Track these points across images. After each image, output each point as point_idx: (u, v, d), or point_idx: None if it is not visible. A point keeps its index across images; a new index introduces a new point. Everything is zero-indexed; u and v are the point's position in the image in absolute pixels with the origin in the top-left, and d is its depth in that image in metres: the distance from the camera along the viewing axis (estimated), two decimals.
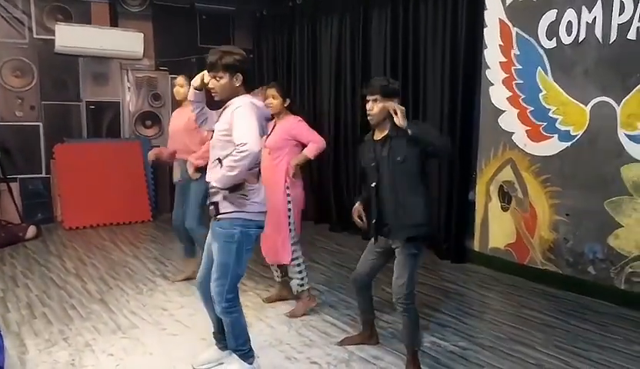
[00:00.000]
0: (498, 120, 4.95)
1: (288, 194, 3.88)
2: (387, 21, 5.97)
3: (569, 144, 4.46)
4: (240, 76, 2.82)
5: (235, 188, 2.77)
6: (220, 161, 2.78)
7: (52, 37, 6.70)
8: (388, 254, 3.19)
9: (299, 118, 3.99)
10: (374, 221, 3.14)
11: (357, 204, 3.30)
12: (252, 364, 3.02)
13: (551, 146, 4.58)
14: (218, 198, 2.83)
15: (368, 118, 3.09)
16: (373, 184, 3.11)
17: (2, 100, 6.79)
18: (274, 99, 3.85)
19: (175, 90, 4.69)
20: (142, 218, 6.75)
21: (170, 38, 7.73)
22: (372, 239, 3.22)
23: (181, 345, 3.44)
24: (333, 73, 6.79)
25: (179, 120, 4.53)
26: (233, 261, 2.83)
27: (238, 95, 2.84)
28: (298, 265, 3.96)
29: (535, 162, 4.72)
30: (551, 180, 4.61)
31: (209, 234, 2.96)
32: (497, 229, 5.09)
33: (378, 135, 3.12)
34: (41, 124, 7.02)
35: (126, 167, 6.96)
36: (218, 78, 2.81)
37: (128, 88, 7.64)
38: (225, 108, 2.86)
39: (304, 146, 3.90)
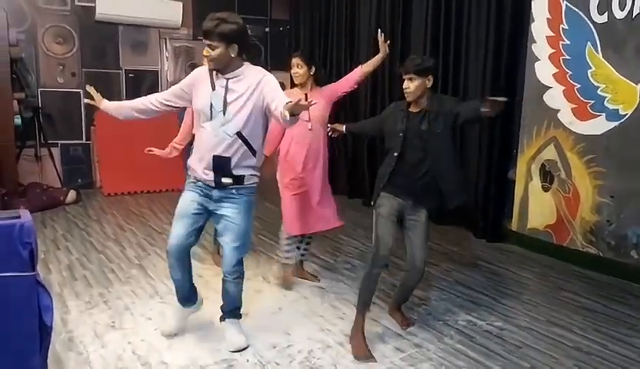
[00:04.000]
0: (543, 96, 4.79)
1: None
2: None
3: (617, 123, 4.29)
4: (235, 46, 2.72)
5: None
6: (240, 134, 2.76)
7: (93, 4, 6.75)
8: (400, 220, 3.24)
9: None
10: (382, 185, 3.20)
11: (343, 127, 3.64)
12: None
13: (598, 125, 4.42)
14: (244, 171, 2.83)
15: (406, 95, 3.14)
16: (395, 154, 3.16)
17: (44, 66, 6.91)
18: (299, 68, 3.77)
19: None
20: (178, 186, 6.86)
21: (208, 7, 7.62)
22: (383, 208, 3.17)
23: (216, 311, 3.49)
24: (371, 45, 6.65)
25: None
26: (251, 227, 2.96)
27: (235, 65, 2.77)
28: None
29: (579, 141, 4.57)
30: (596, 160, 4.46)
31: (190, 197, 2.89)
32: (536, 209, 4.98)
33: (415, 108, 3.17)
34: (81, 91, 7.12)
35: (163, 136, 7.01)
36: (212, 47, 2.70)
37: (166, 57, 7.68)
38: (234, 80, 2.77)
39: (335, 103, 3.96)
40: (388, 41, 4.05)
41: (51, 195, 6.34)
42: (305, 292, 3.92)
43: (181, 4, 7.23)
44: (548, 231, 4.87)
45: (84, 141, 7.22)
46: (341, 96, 3.98)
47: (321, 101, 3.73)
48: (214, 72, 2.81)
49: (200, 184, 2.89)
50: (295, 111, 2.47)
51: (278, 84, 2.80)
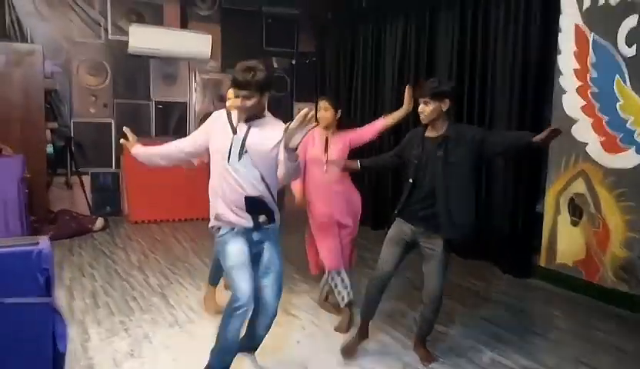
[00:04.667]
0: (571, 130, 4.72)
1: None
2: (454, 23, 5.81)
3: None
4: (267, 94, 2.75)
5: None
6: (263, 178, 2.76)
7: (126, 38, 6.97)
8: (410, 246, 3.25)
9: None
10: (398, 210, 3.26)
11: (357, 162, 3.59)
12: None
13: (628, 158, 4.31)
14: (272, 206, 2.83)
15: (421, 118, 3.15)
16: (410, 180, 3.17)
17: (77, 97, 7.12)
18: (326, 111, 3.82)
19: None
20: (203, 215, 6.93)
21: (236, 40, 7.87)
22: (393, 230, 3.25)
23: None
24: (396, 77, 6.70)
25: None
26: None
27: (262, 109, 2.80)
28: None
29: (609, 175, 4.46)
30: (627, 194, 4.34)
31: (244, 248, 2.78)
32: (565, 244, 4.85)
33: (432, 133, 3.14)
34: (112, 121, 7.31)
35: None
36: (248, 97, 2.67)
37: (195, 88, 7.84)
38: (257, 125, 2.77)
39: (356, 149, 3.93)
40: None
41: (79, 222, 6.45)
42: (325, 326, 3.86)
43: (210, 37, 7.39)
44: (578, 266, 4.73)
45: (113, 169, 7.36)
46: (360, 144, 3.95)
47: (339, 145, 3.78)
48: (236, 116, 2.81)
49: (236, 230, 2.80)
50: (295, 132, 2.46)
51: None
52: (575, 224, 4.77)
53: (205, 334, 3.60)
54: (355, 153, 3.94)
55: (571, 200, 4.78)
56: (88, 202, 6.99)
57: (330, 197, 3.83)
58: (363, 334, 3.47)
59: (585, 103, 4.63)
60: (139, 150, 3.09)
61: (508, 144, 3.11)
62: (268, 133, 2.75)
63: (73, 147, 6.96)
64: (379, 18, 7.00)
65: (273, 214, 2.84)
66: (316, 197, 3.86)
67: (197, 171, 4.17)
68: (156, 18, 7.42)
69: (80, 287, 4.51)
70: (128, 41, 6.97)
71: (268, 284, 2.84)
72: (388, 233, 3.32)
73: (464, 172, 3.07)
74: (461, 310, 4.24)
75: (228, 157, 2.75)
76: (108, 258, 5.39)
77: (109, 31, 7.19)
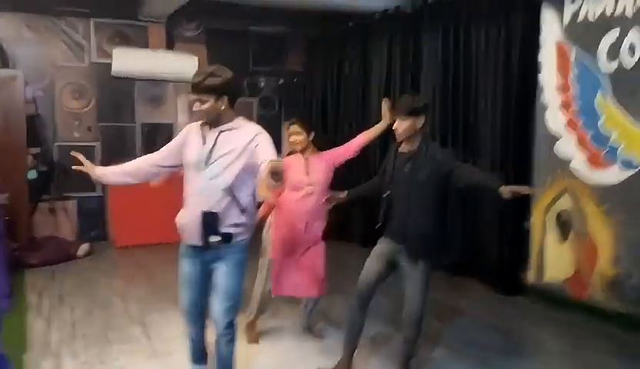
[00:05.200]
0: (555, 146, 4.68)
1: None
2: (438, 44, 5.81)
3: (633, 172, 4.14)
4: (225, 98, 2.71)
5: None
6: (230, 190, 2.70)
7: (110, 61, 6.92)
8: (393, 264, 3.19)
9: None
10: (378, 227, 3.23)
11: (345, 193, 3.49)
12: None
13: (614, 174, 4.28)
14: (233, 230, 2.74)
15: (396, 135, 3.13)
16: (384, 195, 3.16)
17: (61, 121, 7.04)
18: (298, 135, 3.73)
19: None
20: None
21: (223, 61, 7.77)
22: (378, 246, 3.24)
23: None
24: (382, 94, 6.65)
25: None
26: (241, 285, 2.84)
27: (226, 117, 2.74)
28: None
29: (595, 191, 4.42)
30: (614, 210, 4.29)
31: (190, 264, 2.84)
32: (553, 261, 4.79)
33: (404, 148, 3.15)
34: (97, 144, 7.24)
35: (176, 189, 7.07)
36: (202, 101, 2.68)
37: (182, 110, 7.79)
38: (226, 130, 2.73)
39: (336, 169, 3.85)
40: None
41: (64, 248, 6.35)
42: (306, 352, 3.77)
43: (196, 58, 7.36)
44: (566, 284, 4.66)
45: (98, 193, 7.27)
46: (343, 162, 3.87)
47: (321, 165, 3.71)
48: (206, 126, 2.78)
49: (191, 249, 2.82)
50: (274, 178, 2.34)
51: (272, 144, 2.71)
52: (562, 240, 4.71)
53: (183, 366, 3.51)
54: (339, 174, 3.87)
55: (558, 216, 4.73)
56: (73, 228, 6.89)
57: (297, 226, 3.71)
58: (347, 365, 3.36)
59: (568, 118, 4.60)
60: (103, 171, 3.02)
61: (475, 184, 3.10)
62: (235, 140, 2.70)
63: (57, 173, 6.88)
64: (366, 38, 7.01)
65: (231, 235, 2.74)
66: (284, 222, 3.75)
67: (181, 194, 4.09)
68: (141, 40, 7.37)
69: (58, 317, 4.40)
70: (111, 64, 6.93)
71: (215, 303, 2.82)
72: (373, 249, 3.29)
73: (428, 190, 3.04)
74: (447, 331, 4.15)
75: (199, 167, 2.71)
76: (89, 286, 5.29)
77: (93, 55, 7.15)
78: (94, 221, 7.23)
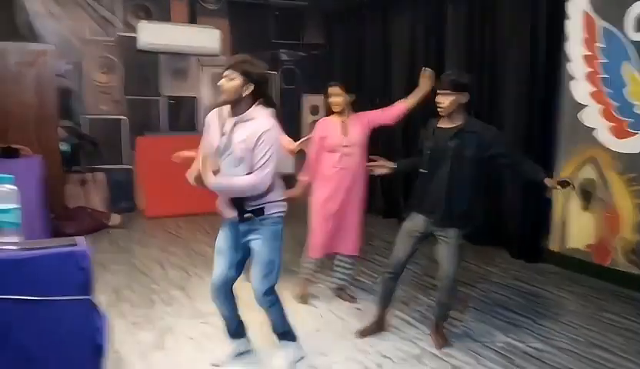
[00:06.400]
0: (580, 115, 4.76)
1: None
2: (463, 13, 5.85)
3: None
4: (251, 87, 2.75)
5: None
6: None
7: (135, 34, 7.04)
8: (424, 238, 3.33)
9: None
10: (413, 202, 3.36)
11: (393, 164, 3.49)
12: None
13: (638, 143, 4.37)
14: (262, 204, 2.85)
15: (439, 110, 3.18)
16: (423, 171, 3.24)
17: (90, 94, 7.21)
18: (337, 97, 3.85)
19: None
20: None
21: (244, 34, 7.92)
22: (408, 222, 3.35)
23: (255, 332, 3.56)
24: (405, 68, 6.73)
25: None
26: (279, 256, 2.97)
27: (244, 105, 2.78)
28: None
29: (618, 160, 4.51)
30: (637, 179, 4.40)
31: (223, 234, 3.01)
32: (576, 229, 4.91)
33: (446, 124, 3.19)
34: (124, 117, 7.40)
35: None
36: (230, 78, 2.73)
37: (205, 84, 7.91)
38: (242, 120, 2.79)
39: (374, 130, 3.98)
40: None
41: (96, 218, 6.57)
42: (342, 314, 3.97)
43: (219, 32, 7.44)
44: (588, 250, 4.79)
45: (127, 165, 7.46)
46: (379, 125, 3.98)
47: (358, 126, 3.84)
48: (224, 113, 2.87)
49: (228, 222, 2.98)
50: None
51: (272, 147, 2.77)
52: (585, 208, 4.83)
53: None
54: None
55: (582, 185, 4.84)
56: (103, 199, 7.09)
57: (337, 188, 3.87)
58: (380, 324, 3.58)
59: (594, 89, 4.67)
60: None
61: (521, 172, 3.31)
62: (250, 131, 2.76)
63: (87, 145, 7.06)
64: (387, 9, 7.03)
65: (262, 209, 2.86)
66: (323, 186, 3.91)
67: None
68: (164, 14, 7.48)
69: (102, 281, 4.62)
70: (137, 38, 7.04)
71: (253, 272, 2.98)
72: (402, 225, 3.41)
73: (472, 165, 3.13)
74: (473, 295, 4.33)
75: (220, 155, 2.84)
76: (126, 253, 5.51)
77: (119, 29, 7.26)
78: (123, 192, 7.42)
